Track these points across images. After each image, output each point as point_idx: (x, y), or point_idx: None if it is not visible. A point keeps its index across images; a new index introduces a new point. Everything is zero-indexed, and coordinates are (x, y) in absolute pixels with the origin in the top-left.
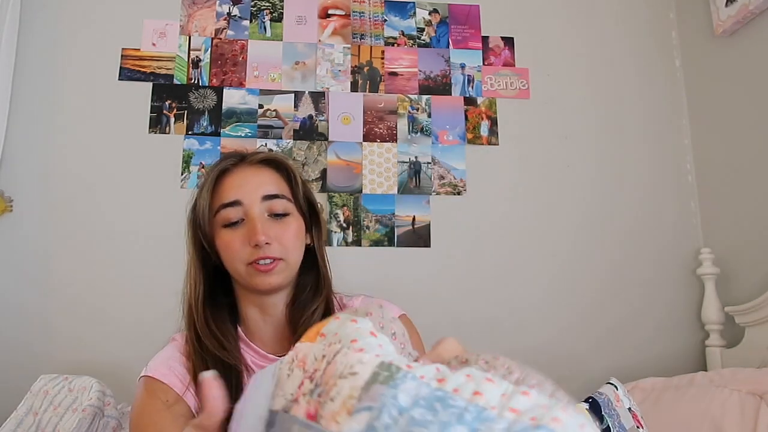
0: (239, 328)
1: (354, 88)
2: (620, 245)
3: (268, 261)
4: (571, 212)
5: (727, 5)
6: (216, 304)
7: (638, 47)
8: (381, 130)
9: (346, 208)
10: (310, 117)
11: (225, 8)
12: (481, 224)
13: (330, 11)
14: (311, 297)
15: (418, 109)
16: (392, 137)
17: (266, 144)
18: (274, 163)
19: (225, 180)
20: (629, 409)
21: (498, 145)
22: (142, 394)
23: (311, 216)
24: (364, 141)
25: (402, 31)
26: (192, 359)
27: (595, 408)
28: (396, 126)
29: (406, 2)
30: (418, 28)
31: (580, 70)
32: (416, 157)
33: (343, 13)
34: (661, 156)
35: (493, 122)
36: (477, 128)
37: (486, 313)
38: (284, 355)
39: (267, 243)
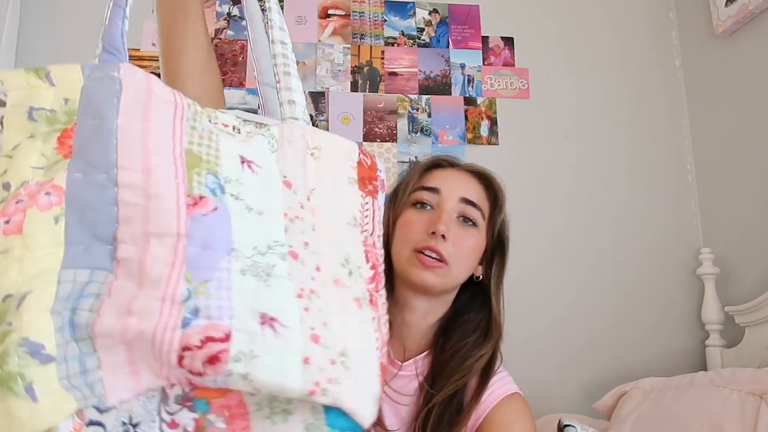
0: None
1: (354, 88)
2: (620, 245)
3: (434, 256)
4: (571, 212)
5: (727, 5)
6: None
7: (638, 47)
8: (381, 130)
9: None
10: (310, 117)
11: (225, 8)
12: None
13: (330, 11)
14: (482, 341)
15: (418, 109)
16: (392, 137)
17: None
18: (486, 180)
19: (435, 171)
20: None
21: (498, 145)
22: None
23: (496, 250)
24: (364, 141)
25: (402, 31)
26: None
27: None
28: (396, 126)
29: (406, 2)
30: (418, 28)
31: (580, 70)
32: (416, 157)
33: (343, 13)
34: (661, 156)
35: (493, 122)
36: (477, 128)
37: None
38: (399, 364)
39: (443, 237)
